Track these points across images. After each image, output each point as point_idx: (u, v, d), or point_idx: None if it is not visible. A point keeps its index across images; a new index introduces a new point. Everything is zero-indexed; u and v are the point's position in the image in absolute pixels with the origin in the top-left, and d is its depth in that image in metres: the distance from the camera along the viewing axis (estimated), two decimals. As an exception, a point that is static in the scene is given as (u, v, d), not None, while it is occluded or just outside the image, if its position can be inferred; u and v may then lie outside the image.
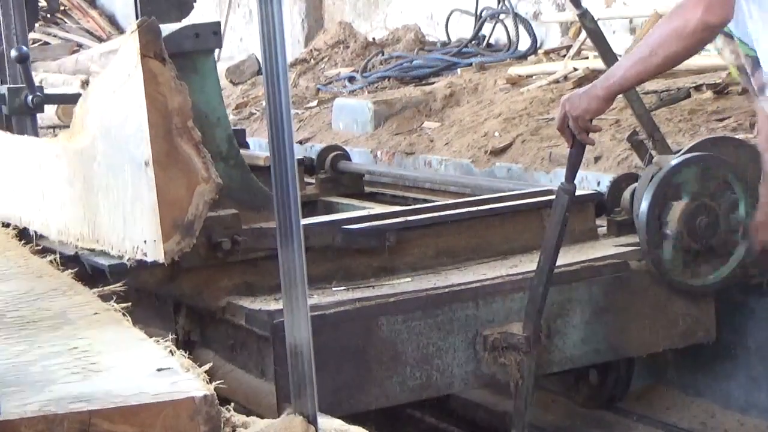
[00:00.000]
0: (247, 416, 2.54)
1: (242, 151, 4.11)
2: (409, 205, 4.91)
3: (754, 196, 4.11)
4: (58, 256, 4.05)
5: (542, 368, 3.94)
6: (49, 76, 10.36)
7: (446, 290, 3.82)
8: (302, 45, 10.17)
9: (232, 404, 2.54)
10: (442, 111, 7.02)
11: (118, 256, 3.49)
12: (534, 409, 4.23)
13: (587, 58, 6.98)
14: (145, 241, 3.26)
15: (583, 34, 6.74)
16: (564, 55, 7.35)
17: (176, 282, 3.75)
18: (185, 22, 4.08)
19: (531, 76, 7.12)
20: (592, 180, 4.97)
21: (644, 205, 4.02)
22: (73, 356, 2.70)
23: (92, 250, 3.73)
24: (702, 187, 4.08)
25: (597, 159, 5.20)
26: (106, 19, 14.24)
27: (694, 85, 5.75)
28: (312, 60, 9.52)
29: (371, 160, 6.69)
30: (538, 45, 8.05)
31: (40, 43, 13.39)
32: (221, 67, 8.42)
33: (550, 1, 8.12)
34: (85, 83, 9.42)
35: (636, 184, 4.23)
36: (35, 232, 4.17)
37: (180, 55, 3.29)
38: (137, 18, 3.87)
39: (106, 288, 3.50)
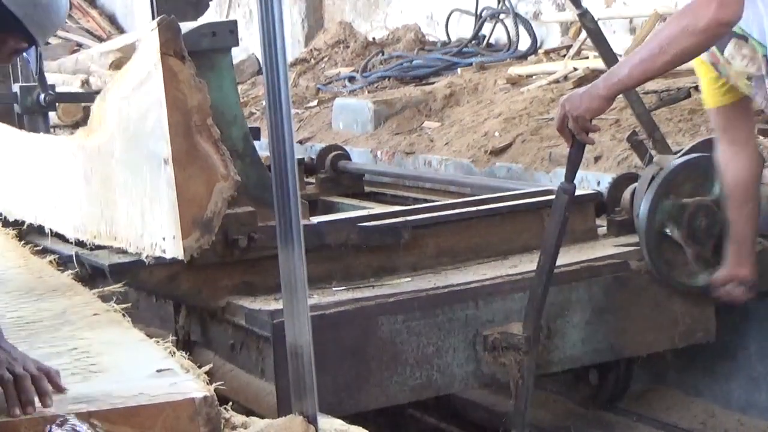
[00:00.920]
0: (247, 416, 2.54)
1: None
2: (409, 205, 4.91)
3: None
4: (57, 256, 4.07)
5: (542, 368, 3.94)
6: (49, 76, 10.36)
7: (446, 290, 3.82)
8: (302, 45, 10.17)
9: (231, 403, 2.55)
10: (442, 111, 7.02)
11: (136, 253, 3.50)
12: (534, 409, 4.23)
13: (587, 58, 6.98)
14: (164, 238, 3.27)
15: (583, 34, 6.75)
16: (564, 55, 7.35)
17: (176, 282, 3.75)
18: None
19: (531, 76, 7.12)
20: (592, 180, 4.97)
21: (644, 205, 4.02)
22: (72, 357, 2.70)
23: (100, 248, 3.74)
24: (702, 188, 4.08)
25: (597, 159, 5.20)
26: (106, 19, 14.24)
27: (694, 85, 5.74)
28: (312, 60, 9.52)
29: (371, 160, 6.69)
30: (538, 45, 8.05)
31: (40, 42, 13.38)
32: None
33: (550, 1, 8.12)
34: (85, 83, 9.42)
35: (636, 184, 4.23)
36: (50, 230, 4.18)
37: (197, 54, 3.29)
38: (153, 17, 3.88)
39: (106, 289, 3.50)
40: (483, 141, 6.07)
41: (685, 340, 4.23)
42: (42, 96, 5.30)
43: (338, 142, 6.74)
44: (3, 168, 4.69)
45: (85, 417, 2.21)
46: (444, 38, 8.93)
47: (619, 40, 6.74)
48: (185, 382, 2.39)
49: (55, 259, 4.13)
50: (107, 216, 3.63)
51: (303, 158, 5.95)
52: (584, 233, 4.32)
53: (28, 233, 4.93)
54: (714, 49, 3.47)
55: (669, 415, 4.55)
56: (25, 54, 2.72)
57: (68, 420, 2.17)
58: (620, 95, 3.63)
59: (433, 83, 7.71)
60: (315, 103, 8.44)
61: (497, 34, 8.47)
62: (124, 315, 3.15)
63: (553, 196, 3.79)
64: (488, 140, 6.04)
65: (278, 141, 2.40)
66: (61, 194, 4.03)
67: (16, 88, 5.39)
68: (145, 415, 2.21)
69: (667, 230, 4.05)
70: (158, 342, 2.80)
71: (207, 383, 2.42)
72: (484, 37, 8.51)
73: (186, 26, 3.40)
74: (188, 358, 2.70)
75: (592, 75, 6.55)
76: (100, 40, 13.31)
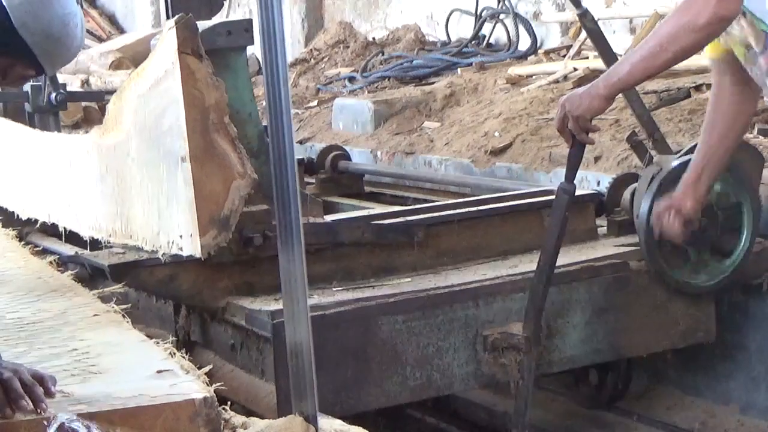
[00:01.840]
0: (247, 416, 2.54)
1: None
2: (409, 205, 4.91)
3: (755, 197, 4.11)
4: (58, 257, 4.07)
5: (542, 368, 3.94)
6: (49, 76, 10.36)
7: (446, 290, 3.82)
8: (302, 45, 10.17)
9: (230, 403, 2.55)
10: (442, 111, 7.02)
11: (152, 251, 3.50)
12: (534, 409, 4.23)
13: (587, 58, 6.98)
14: (181, 236, 3.28)
15: (583, 34, 6.74)
16: (564, 55, 7.35)
17: (176, 282, 3.75)
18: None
19: (531, 76, 7.12)
20: (592, 180, 4.97)
21: (644, 205, 4.02)
22: (72, 358, 2.70)
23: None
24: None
25: (597, 159, 5.20)
26: (106, 19, 14.24)
27: (694, 85, 5.75)
28: (312, 60, 9.52)
29: (371, 160, 6.69)
30: (538, 45, 8.05)
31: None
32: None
33: (550, 1, 8.12)
34: (85, 83, 9.42)
35: (636, 184, 4.23)
36: (64, 228, 4.19)
37: (212, 52, 3.30)
38: (168, 16, 3.90)
39: (106, 289, 3.51)
40: (483, 141, 6.07)
41: (685, 340, 4.23)
42: (53, 95, 5.31)
43: (338, 142, 6.74)
44: (15, 166, 4.70)
45: (85, 418, 2.20)
46: (444, 38, 8.93)
47: (619, 40, 6.74)
48: (185, 383, 2.40)
49: (55, 260, 4.14)
50: (123, 214, 3.64)
51: (303, 158, 5.95)
52: (584, 233, 4.32)
53: (28, 233, 4.94)
54: None
55: (669, 415, 4.55)
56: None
57: (66, 420, 2.17)
58: (620, 95, 3.62)
59: (433, 83, 7.71)
60: (315, 103, 8.44)
61: (497, 34, 8.47)
62: (124, 316, 3.16)
63: (553, 196, 3.79)
64: (488, 140, 6.04)
65: (278, 141, 2.40)
66: (76, 193, 4.04)
67: (27, 87, 5.41)
68: (144, 416, 2.21)
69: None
70: (158, 343, 2.80)
71: (207, 384, 2.42)
72: (484, 37, 8.51)
73: (201, 25, 3.41)
74: (188, 359, 2.70)
75: (592, 75, 6.55)
76: (100, 40, 13.30)
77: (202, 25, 3.50)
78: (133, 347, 2.79)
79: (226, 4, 11.12)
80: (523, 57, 7.96)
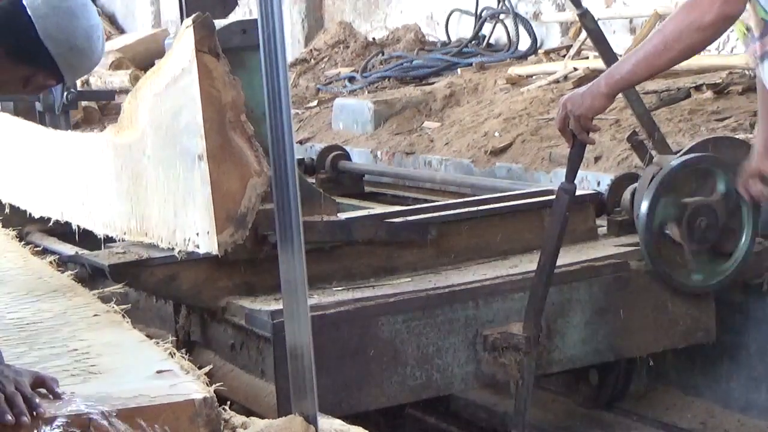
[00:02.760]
0: (247, 416, 2.54)
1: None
2: (409, 205, 4.91)
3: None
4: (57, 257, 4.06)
5: (542, 368, 3.94)
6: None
7: (446, 290, 3.81)
8: (302, 45, 10.17)
9: (229, 403, 2.55)
10: (442, 111, 7.02)
11: (168, 249, 3.51)
12: (534, 409, 4.22)
13: (587, 58, 6.98)
14: (197, 234, 3.29)
15: (583, 34, 6.75)
16: (564, 55, 7.35)
17: (176, 282, 3.75)
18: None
19: (531, 76, 7.12)
20: (592, 180, 4.97)
21: (644, 205, 4.02)
22: (72, 358, 2.70)
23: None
24: (702, 188, 4.08)
25: (597, 159, 5.20)
26: (106, 19, 14.23)
27: (694, 85, 5.75)
28: (312, 60, 9.52)
29: (371, 160, 6.70)
30: (538, 45, 8.05)
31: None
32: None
33: (550, 1, 8.12)
34: (85, 83, 9.42)
35: (636, 184, 4.23)
36: (78, 227, 4.19)
37: (227, 51, 3.30)
38: (181, 15, 3.90)
39: (106, 290, 3.51)
40: (483, 141, 6.07)
41: (685, 340, 4.22)
42: (64, 94, 5.31)
43: (338, 142, 6.74)
44: (28, 165, 4.71)
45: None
46: (444, 38, 8.93)
47: (619, 40, 6.74)
48: (185, 383, 2.39)
49: (55, 260, 4.14)
50: (138, 212, 3.65)
51: (303, 158, 5.95)
52: (584, 233, 4.32)
53: (28, 233, 4.94)
54: None
55: (669, 415, 4.55)
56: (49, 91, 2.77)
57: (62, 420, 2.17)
58: (620, 95, 3.62)
59: (433, 83, 7.71)
60: (315, 103, 8.44)
61: (497, 34, 8.47)
62: (123, 316, 3.16)
63: (553, 196, 3.79)
64: (488, 140, 6.04)
65: (278, 141, 2.40)
66: (90, 191, 4.05)
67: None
68: (144, 416, 2.20)
69: (667, 230, 4.04)
70: (158, 343, 2.80)
71: (207, 384, 2.41)
72: (484, 37, 8.51)
73: (216, 24, 3.41)
74: (188, 359, 2.70)
75: (592, 75, 6.54)
76: (100, 40, 13.29)
77: (217, 23, 3.51)
78: (133, 347, 2.78)
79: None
80: (523, 57, 7.95)
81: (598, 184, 4.84)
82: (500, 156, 5.83)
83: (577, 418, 4.67)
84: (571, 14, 7.33)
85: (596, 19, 4.42)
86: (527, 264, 3.99)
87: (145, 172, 3.56)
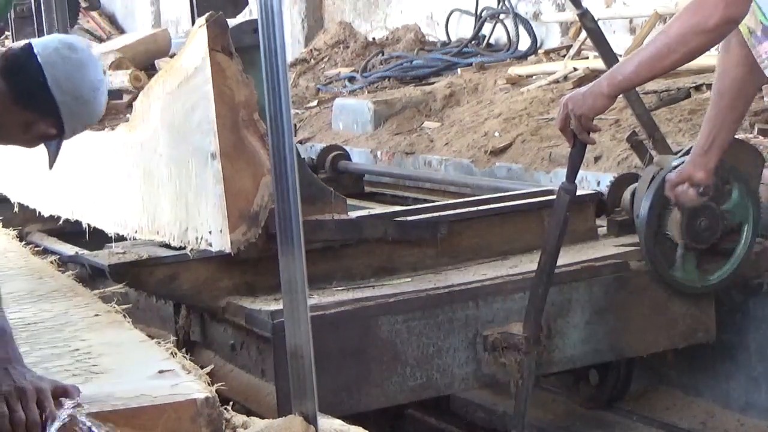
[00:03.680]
0: (247, 416, 2.54)
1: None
2: (409, 205, 4.91)
3: (754, 197, 4.11)
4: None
5: (542, 368, 3.94)
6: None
7: (446, 290, 3.81)
8: (302, 45, 10.18)
9: (232, 403, 2.55)
10: (442, 111, 7.03)
11: (180, 247, 3.51)
12: (534, 409, 4.22)
13: (587, 58, 6.98)
14: (210, 232, 3.30)
15: (583, 34, 6.75)
16: (564, 55, 7.35)
17: (176, 282, 3.76)
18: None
19: (531, 76, 7.12)
20: (592, 180, 4.97)
21: (644, 205, 4.02)
22: (74, 358, 2.70)
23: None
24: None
25: (597, 159, 5.20)
26: (106, 19, 14.24)
27: (694, 85, 5.75)
28: (312, 60, 9.53)
29: (371, 160, 6.70)
30: (538, 45, 8.05)
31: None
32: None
33: (550, 1, 8.12)
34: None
35: (636, 184, 4.23)
36: (88, 225, 4.19)
37: (239, 50, 3.31)
38: (192, 14, 3.91)
39: (107, 290, 3.51)
40: (483, 141, 6.07)
41: (685, 340, 4.22)
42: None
43: (338, 142, 6.74)
44: (37, 163, 4.71)
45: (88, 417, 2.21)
46: (444, 38, 8.94)
47: (619, 40, 6.75)
48: (187, 383, 2.39)
49: (55, 260, 4.14)
50: (149, 211, 3.65)
51: (303, 158, 5.94)
52: (584, 233, 4.32)
53: (28, 233, 4.94)
54: None
55: (669, 415, 4.55)
56: (45, 147, 2.83)
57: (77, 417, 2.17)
58: (620, 95, 3.62)
59: (433, 83, 7.72)
60: (315, 103, 8.44)
61: (497, 34, 8.47)
62: (124, 316, 3.16)
63: (553, 196, 3.79)
64: (488, 140, 6.05)
65: (278, 141, 2.40)
66: (101, 189, 4.05)
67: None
68: (146, 416, 2.21)
69: (667, 230, 4.05)
70: (159, 343, 2.80)
71: (208, 384, 2.41)
72: (484, 37, 8.52)
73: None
74: (189, 359, 2.70)
75: (592, 75, 6.55)
76: (100, 40, 13.30)
77: (229, 23, 3.52)
78: (134, 347, 2.78)
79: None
80: (523, 57, 7.96)
81: (598, 184, 4.84)
82: (500, 156, 5.84)
83: (577, 418, 4.67)
84: (571, 14, 7.33)
85: (596, 19, 4.42)
86: (527, 264, 3.99)
87: (156, 170, 3.56)
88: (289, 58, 8.97)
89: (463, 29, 8.80)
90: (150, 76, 9.80)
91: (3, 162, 5.08)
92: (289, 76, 8.23)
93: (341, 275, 3.92)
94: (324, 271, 3.86)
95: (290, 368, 2.44)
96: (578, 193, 3.76)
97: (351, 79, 8.55)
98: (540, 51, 7.81)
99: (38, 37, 5.52)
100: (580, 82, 6.43)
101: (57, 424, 2.15)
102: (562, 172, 5.16)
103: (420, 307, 3.76)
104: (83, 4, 10.63)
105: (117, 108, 10.38)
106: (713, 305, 4.23)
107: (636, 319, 4.10)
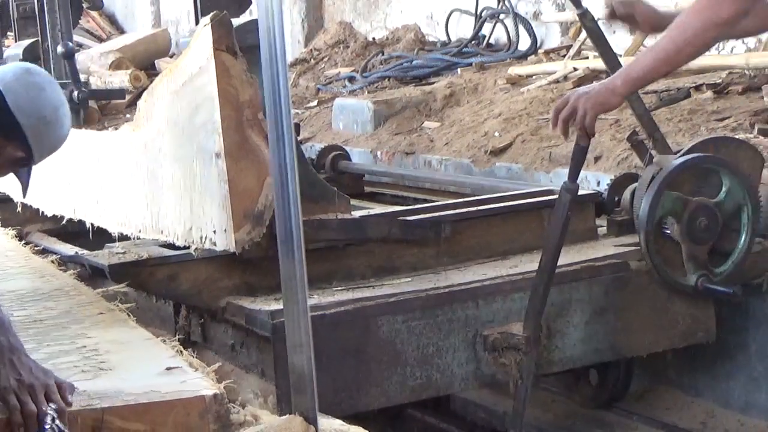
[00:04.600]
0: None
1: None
2: (409, 205, 4.91)
3: (754, 197, 4.11)
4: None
5: (542, 368, 3.94)
6: (50, 76, 10.37)
7: (446, 290, 3.81)
8: (302, 45, 10.18)
9: (239, 401, 2.55)
10: (442, 111, 7.03)
11: (184, 247, 3.51)
12: (534, 409, 4.22)
13: (587, 58, 6.98)
14: (214, 231, 3.30)
15: (583, 34, 6.75)
16: (564, 55, 7.35)
17: (176, 282, 3.76)
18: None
19: (531, 76, 7.13)
20: (592, 180, 4.97)
21: (644, 205, 4.02)
22: (82, 355, 2.71)
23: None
24: (702, 187, 4.08)
25: (597, 159, 5.20)
26: (106, 19, 14.25)
27: (694, 85, 5.75)
28: (312, 60, 9.53)
29: (371, 160, 6.70)
30: (538, 45, 8.05)
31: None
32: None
33: (550, 1, 8.12)
34: (85, 83, 9.44)
35: (636, 184, 4.23)
36: (91, 224, 4.20)
37: (243, 50, 3.31)
38: (197, 13, 3.91)
39: (110, 288, 3.52)
40: (483, 141, 6.08)
41: (685, 340, 4.22)
42: (75, 93, 5.32)
43: (338, 142, 6.75)
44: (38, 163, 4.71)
45: (98, 413, 2.22)
46: (444, 38, 8.94)
47: (619, 40, 6.74)
48: (194, 380, 2.41)
49: (56, 260, 4.14)
50: (153, 210, 3.66)
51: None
52: (584, 233, 4.32)
53: (28, 233, 4.94)
54: None
55: (669, 415, 4.55)
56: (16, 176, 2.86)
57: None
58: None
59: (433, 83, 7.72)
60: (315, 103, 8.45)
61: (497, 34, 8.48)
62: (129, 314, 3.17)
63: (553, 196, 3.79)
64: (488, 140, 6.05)
65: (278, 141, 2.40)
66: (104, 189, 4.05)
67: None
68: (156, 412, 2.23)
69: (667, 230, 4.04)
70: (165, 341, 2.82)
71: (216, 381, 2.43)
72: (484, 37, 8.52)
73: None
74: (194, 357, 2.71)
75: (592, 75, 6.56)
76: (100, 40, 13.32)
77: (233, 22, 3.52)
78: (140, 345, 2.80)
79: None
80: (523, 57, 7.96)
81: (598, 184, 4.85)
82: (500, 156, 5.84)
83: (577, 418, 4.67)
84: (571, 14, 7.33)
85: (596, 19, 4.42)
86: (527, 264, 3.99)
87: (160, 169, 3.57)
88: (289, 58, 8.97)
89: (463, 29, 8.80)
90: (150, 76, 9.83)
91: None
92: (289, 76, 8.23)
93: (341, 275, 3.92)
94: (324, 271, 3.86)
95: (290, 368, 2.44)
96: (578, 192, 3.75)
97: (351, 79, 8.55)
98: (540, 51, 7.81)
99: (41, 37, 5.54)
100: (580, 82, 6.43)
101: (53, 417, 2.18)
102: (562, 172, 5.16)
103: (420, 307, 3.76)
104: (86, 5, 10.66)
105: (117, 108, 10.39)
106: (713, 305, 4.23)
107: (636, 319, 4.10)
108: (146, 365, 2.56)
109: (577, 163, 3.55)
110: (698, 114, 5.33)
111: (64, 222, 4.50)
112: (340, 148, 6.07)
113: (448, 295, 3.80)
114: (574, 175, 3.58)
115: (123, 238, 3.98)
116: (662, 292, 4.12)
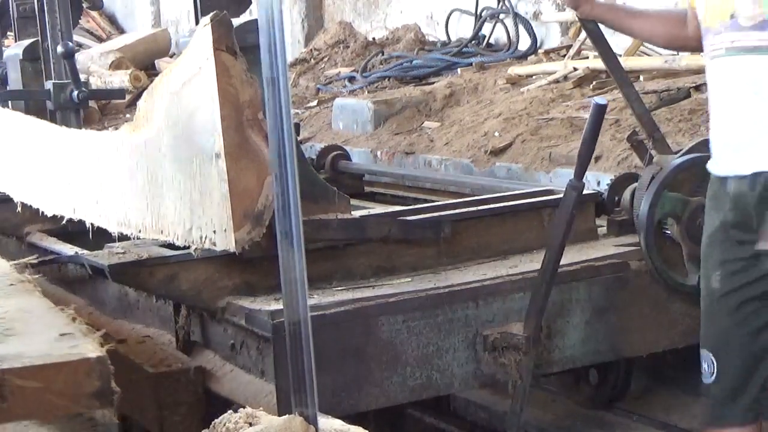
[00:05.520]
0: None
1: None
2: (409, 205, 4.91)
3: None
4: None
5: (542, 368, 3.94)
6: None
7: (446, 290, 3.81)
8: (302, 45, 10.19)
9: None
10: (442, 111, 7.03)
11: (184, 246, 3.52)
12: (534, 409, 4.22)
13: (587, 58, 6.98)
14: (214, 231, 3.30)
15: (583, 34, 6.75)
16: (564, 55, 7.35)
17: (176, 282, 3.76)
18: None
19: (531, 76, 7.13)
20: (592, 180, 4.97)
21: (644, 205, 4.02)
22: (-9, 323, 2.87)
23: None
24: (702, 188, 4.08)
25: (597, 159, 5.20)
26: (106, 19, 14.25)
27: (694, 85, 5.75)
28: (312, 60, 9.54)
29: (371, 160, 6.70)
30: (538, 45, 8.06)
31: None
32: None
33: (550, 1, 8.13)
34: (85, 83, 9.44)
35: (636, 184, 4.23)
36: (91, 224, 4.21)
37: (243, 50, 3.32)
38: (197, 13, 3.91)
39: (21, 260, 3.69)
40: (483, 141, 6.08)
41: (685, 340, 4.22)
42: (75, 93, 5.33)
43: (338, 142, 6.75)
44: (39, 163, 4.71)
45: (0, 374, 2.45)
46: (444, 38, 8.94)
47: (619, 40, 6.73)
48: (83, 344, 2.65)
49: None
50: (153, 210, 3.66)
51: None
52: (584, 233, 4.31)
53: (28, 233, 4.94)
54: None
55: (669, 415, 4.55)
56: None
57: None
58: (620, 95, 3.63)
59: (433, 83, 7.72)
60: (315, 103, 8.45)
61: (497, 34, 8.48)
62: (35, 286, 3.28)
63: (552, 196, 3.79)
64: (488, 140, 6.05)
65: (278, 141, 2.40)
66: (104, 189, 4.06)
67: (49, 85, 5.42)
68: (49, 372, 2.52)
69: (667, 230, 4.04)
70: (63, 309, 2.97)
71: (101, 346, 2.62)
72: (484, 37, 8.53)
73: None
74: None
75: (592, 75, 6.57)
76: (100, 40, 13.32)
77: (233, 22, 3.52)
78: (42, 314, 3.00)
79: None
80: (523, 57, 7.97)
81: (598, 184, 4.85)
82: (500, 156, 5.84)
83: (577, 418, 4.67)
84: (571, 14, 7.32)
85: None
86: (527, 264, 3.99)
87: (160, 169, 3.57)
88: (289, 58, 8.98)
89: (463, 29, 8.81)
90: (150, 76, 9.83)
91: (5, 162, 5.08)
92: (289, 76, 8.23)
93: (341, 275, 3.92)
94: (324, 271, 3.86)
95: (290, 368, 2.44)
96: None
97: (351, 79, 8.56)
98: (540, 51, 7.82)
99: (41, 37, 5.53)
100: (580, 82, 6.44)
101: None
102: (562, 172, 5.17)
103: (420, 307, 3.76)
104: (86, 5, 10.66)
105: (117, 108, 10.40)
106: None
107: (636, 319, 4.10)
108: (45, 331, 2.79)
109: (583, 161, 3.54)
110: (698, 114, 5.33)
111: (64, 222, 4.50)
112: (340, 148, 6.07)
113: (448, 295, 3.80)
114: (579, 173, 3.58)
115: (123, 238, 3.98)
116: (662, 292, 4.12)
